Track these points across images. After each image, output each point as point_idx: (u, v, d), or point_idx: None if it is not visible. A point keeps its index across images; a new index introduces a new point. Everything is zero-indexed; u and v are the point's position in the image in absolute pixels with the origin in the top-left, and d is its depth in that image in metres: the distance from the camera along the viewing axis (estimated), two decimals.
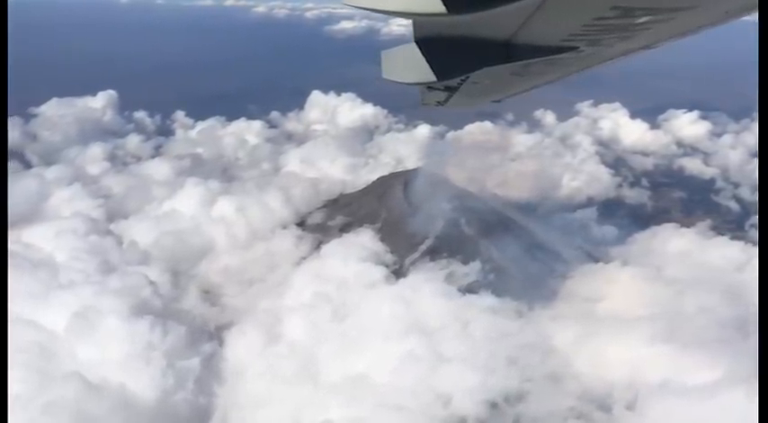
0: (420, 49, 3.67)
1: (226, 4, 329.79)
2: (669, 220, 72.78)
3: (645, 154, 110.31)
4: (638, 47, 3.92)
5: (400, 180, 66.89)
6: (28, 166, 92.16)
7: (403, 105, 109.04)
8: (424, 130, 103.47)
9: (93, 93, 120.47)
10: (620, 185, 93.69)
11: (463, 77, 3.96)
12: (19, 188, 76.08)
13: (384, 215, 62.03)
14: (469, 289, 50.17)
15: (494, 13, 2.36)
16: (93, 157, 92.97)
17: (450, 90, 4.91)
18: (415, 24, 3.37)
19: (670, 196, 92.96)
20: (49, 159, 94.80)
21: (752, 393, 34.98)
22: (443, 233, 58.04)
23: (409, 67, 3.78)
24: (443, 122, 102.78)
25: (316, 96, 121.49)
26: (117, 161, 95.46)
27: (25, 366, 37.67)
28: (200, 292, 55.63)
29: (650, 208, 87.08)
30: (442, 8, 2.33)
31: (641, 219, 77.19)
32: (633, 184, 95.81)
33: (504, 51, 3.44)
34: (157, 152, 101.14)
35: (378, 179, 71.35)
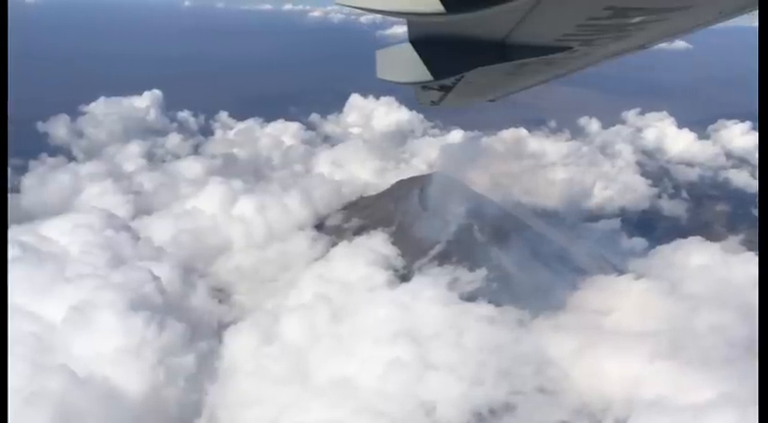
0: (415, 48, 3.65)
1: (284, 8, 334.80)
2: (700, 234, 69.93)
3: (690, 165, 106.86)
4: (632, 47, 3.92)
5: (419, 184, 66.34)
6: (74, 161, 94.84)
7: (439, 110, 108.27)
8: (457, 135, 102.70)
9: (143, 93, 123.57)
10: (657, 196, 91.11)
11: (458, 77, 3.94)
12: (53, 183, 78.98)
13: (399, 219, 61.64)
14: (471, 296, 49.28)
15: (489, 13, 2.33)
16: (131, 155, 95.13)
17: (445, 89, 4.88)
18: (409, 24, 3.34)
19: (711, 209, 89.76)
20: (93, 155, 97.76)
21: (744, 416, 33.40)
22: (455, 238, 57.34)
23: (404, 66, 3.76)
24: (478, 128, 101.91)
25: (354, 100, 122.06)
26: (156, 159, 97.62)
27: (19, 357, 38.48)
28: (212, 289, 56.04)
29: (685, 220, 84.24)
30: (440, 8, 2.29)
31: (673, 231, 74.56)
32: (673, 196, 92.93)
33: (499, 51, 3.41)
34: (196, 151, 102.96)
35: (397, 183, 70.95)
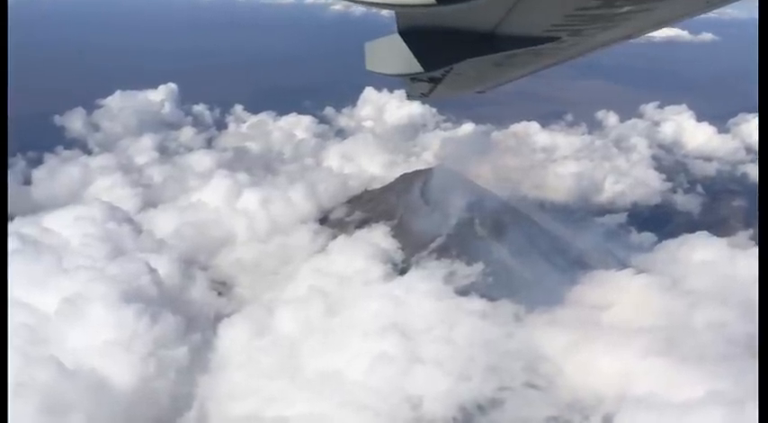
0: (404, 40, 3.67)
1: (305, 1, 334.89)
2: (713, 229, 68.64)
3: (708, 159, 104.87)
4: (620, 37, 3.92)
5: (422, 178, 65.98)
6: (90, 153, 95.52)
7: (452, 104, 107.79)
8: (469, 128, 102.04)
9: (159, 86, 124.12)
10: (672, 191, 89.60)
11: (447, 69, 3.99)
12: (64, 175, 79.84)
13: (401, 212, 61.40)
14: (466, 290, 48.90)
15: (477, 4, 2.36)
16: (144, 148, 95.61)
17: (435, 81, 4.94)
18: (398, 15, 3.38)
19: (726, 204, 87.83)
20: (108, 148, 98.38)
21: (731, 414, 32.78)
22: (455, 232, 56.99)
23: (393, 58, 3.80)
24: (491, 121, 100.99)
25: (368, 93, 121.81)
26: (169, 152, 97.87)
27: (11, 349, 38.79)
28: (213, 282, 56.24)
29: (698, 215, 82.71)
30: None
31: (684, 226, 73.23)
32: (688, 191, 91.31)
33: (488, 42, 3.44)
34: (209, 144, 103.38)
35: (401, 176, 70.67)
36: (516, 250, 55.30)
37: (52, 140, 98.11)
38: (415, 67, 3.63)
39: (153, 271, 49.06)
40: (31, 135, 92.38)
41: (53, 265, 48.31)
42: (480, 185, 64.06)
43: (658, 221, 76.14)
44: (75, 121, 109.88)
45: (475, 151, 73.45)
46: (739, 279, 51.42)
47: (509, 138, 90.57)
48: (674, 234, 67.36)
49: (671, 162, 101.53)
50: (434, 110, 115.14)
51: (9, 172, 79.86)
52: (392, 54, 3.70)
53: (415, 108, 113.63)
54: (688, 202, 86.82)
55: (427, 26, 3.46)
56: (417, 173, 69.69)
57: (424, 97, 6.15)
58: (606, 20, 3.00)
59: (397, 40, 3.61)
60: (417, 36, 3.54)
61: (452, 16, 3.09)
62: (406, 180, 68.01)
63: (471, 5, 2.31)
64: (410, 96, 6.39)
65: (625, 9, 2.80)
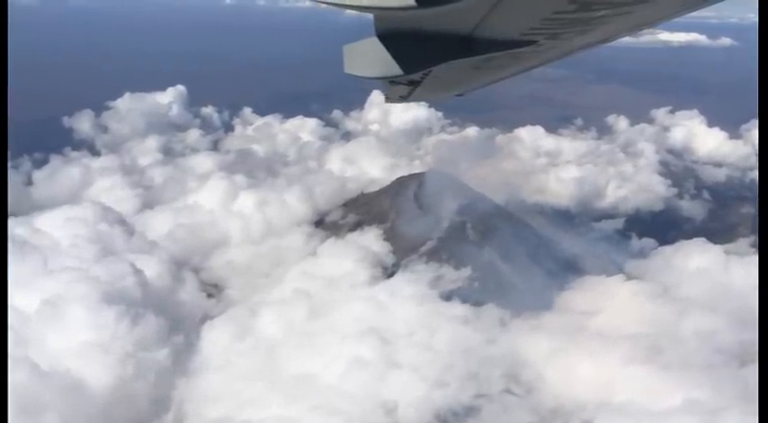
0: (382, 43, 3.61)
1: (321, 6, 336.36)
2: (714, 235, 67.35)
3: (717, 165, 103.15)
4: (597, 40, 3.99)
5: (416, 181, 65.51)
6: (98, 155, 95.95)
7: (459, 108, 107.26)
8: (473, 132, 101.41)
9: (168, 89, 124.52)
10: (678, 197, 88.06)
11: (425, 72, 3.95)
12: (66, 176, 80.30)
13: (393, 216, 60.99)
14: (451, 295, 48.36)
15: (457, 7, 2.36)
16: (149, 150, 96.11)
17: (413, 84, 4.87)
18: (376, 18, 3.34)
19: (733, 210, 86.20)
20: (115, 150, 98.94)
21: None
22: (447, 236, 56.44)
23: (371, 61, 3.75)
24: (498, 125, 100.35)
25: (375, 96, 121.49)
26: (174, 154, 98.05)
27: None
28: (204, 284, 56.20)
29: (701, 222, 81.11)
30: (410, 2, 2.29)
31: (685, 233, 71.84)
32: (694, 197, 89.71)
33: (466, 45, 3.41)
34: (214, 147, 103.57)
35: (396, 179, 70.15)
36: (507, 254, 54.67)
37: (60, 142, 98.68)
38: (393, 69, 3.59)
39: (138, 272, 48.98)
40: (39, 136, 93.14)
41: (38, 265, 48.40)
42: (474, 189, 63.50)
43: (661, 227, 74.88)
44: (83, 123, 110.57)
45: (472, 155, 72.96)
46: (732, 287, 50.47)
47: (511, 142, 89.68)
48: (675, 240, 66.11)
49: (679, 167, 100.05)
50: (440, 114, 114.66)
51: (14, 173, 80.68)
52: (370, 57, 3.63)
53: (421, 112, 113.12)
54: (693, 209, 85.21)
55: (405, 29, 3.37)
56: (412, 176, 69.21)
57: (403, 100, 6.01)
58: (584, 23, 3.01)
59: (375, 42, 3.53)
60: (395, 39, 3.47)
61: (430, 19, 3.05)
62: (402, 183, 67.59)
63: (450, 8, 2.30)
64: (389, 99, 6.12)
65: (602, 13, 2.81)
